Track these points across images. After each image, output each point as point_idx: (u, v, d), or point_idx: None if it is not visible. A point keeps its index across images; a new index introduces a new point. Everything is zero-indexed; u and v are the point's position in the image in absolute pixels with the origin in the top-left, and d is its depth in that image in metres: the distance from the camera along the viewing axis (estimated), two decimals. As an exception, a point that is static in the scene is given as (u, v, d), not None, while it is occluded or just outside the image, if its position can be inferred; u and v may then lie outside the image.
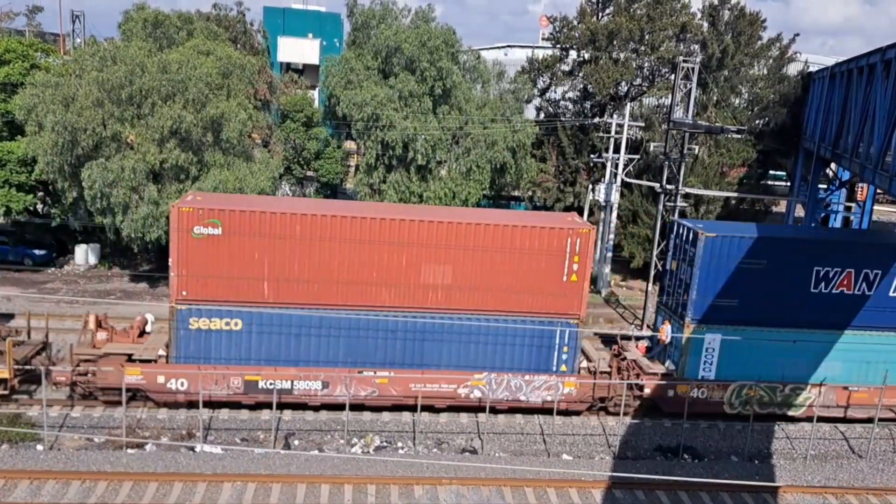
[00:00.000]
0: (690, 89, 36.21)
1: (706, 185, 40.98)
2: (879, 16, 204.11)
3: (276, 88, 45.97)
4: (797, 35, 46.21)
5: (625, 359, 26.23)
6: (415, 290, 23.59)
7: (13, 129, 36.85)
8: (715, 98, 43.34)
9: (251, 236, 22.71)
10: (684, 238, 25.75)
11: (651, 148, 42.23)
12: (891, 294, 25.12)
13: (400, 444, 23.81)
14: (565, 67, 47.88)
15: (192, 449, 22.46)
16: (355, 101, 37.77)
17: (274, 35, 57.79)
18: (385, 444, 23.72)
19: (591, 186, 44.07)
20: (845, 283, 24.88)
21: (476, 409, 24.84)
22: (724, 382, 25.40)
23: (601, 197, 41.35)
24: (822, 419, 25.79)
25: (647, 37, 45.12)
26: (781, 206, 48.88)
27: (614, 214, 41.09)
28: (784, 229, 29.25)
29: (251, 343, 23.44)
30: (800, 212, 40.83)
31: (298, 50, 61.68)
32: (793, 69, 45.14)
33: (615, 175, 40.38)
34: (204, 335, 23.19)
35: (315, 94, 53.82)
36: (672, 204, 35.74)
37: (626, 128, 39.60)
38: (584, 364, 25.57)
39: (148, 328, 26.01)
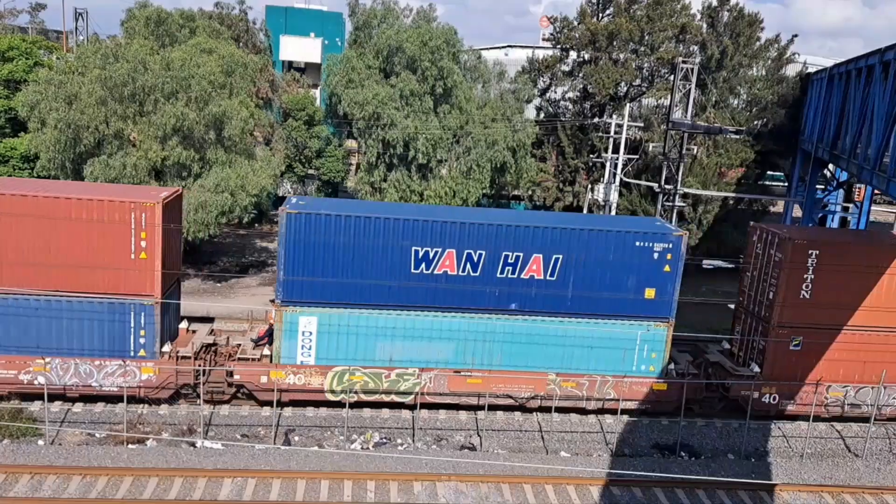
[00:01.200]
0: (689, 90, 36.38)
1: (704, 185, 41.15)
2: (878, 18, 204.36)
3: (277, 87, 46.19)
4: (795, 36, 46.43)
5: (227, 344, 25.27)
6: None
7: (16, 125, 37.06)
8: (714, 99, 43.51)
9: None
10: None
11: (650, 148, 42.42)
12: (498, 276, 23.98)
13: (399, 441, 23.96)
14: (565, 68, 48.09)
15: (193, 445, 22.59)
16: (357, 99, 37.94)
17: (276, 34, 57.98)
18: (384, 440, 23.87)
19: (590, 186, 44.26)
20: (447, 263, 23.70)
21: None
22: (323, 367, 24.01)
23: (600, 196, 41.50)
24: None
25: (646, 38, 45.33)
26: (779, 207, 49.08)
27: (613, 214, 41.23)
28: (379, 207, 27.04)
29: None
30: (797, 212, 40.98)
31: (300, 49, 61.88)
32: (791, 70, 45.31)
33: (614, 175, 40.54)
34: None
35: (317, 92, 54.01)
36: (670, 204, 35.92)
37: (625, 128, 39.75)
38: (167, 348, 24.00)
39: None
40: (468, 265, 23.81)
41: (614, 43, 45.07)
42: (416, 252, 23.56)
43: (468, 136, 39.61)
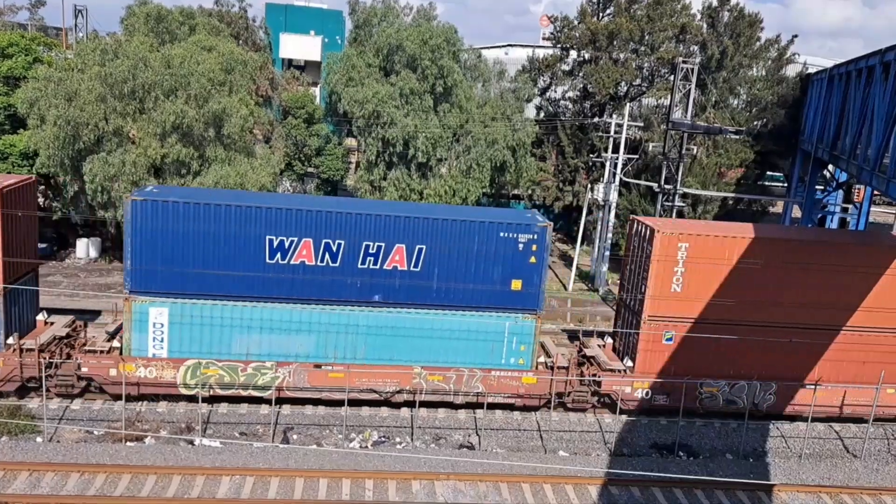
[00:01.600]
0: (689, 90, 36.40)
1: (704, 185, 41.18)
2: (878, 18, 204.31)
3: (277, 85, 46.12)
4: (795, 36, 46.52)
5: (83, 336, 24.83)
6: None
7: (15, 122, 37.02)
8: (714, 99, 43.52)
9: None
10: None
11: (650, 148, 42.47)
12: (359, 266, 23.32)
13: (398, 440, 23.95)
14: (565, 67, 48.14)
15: (191, 442, 22.58)
16: (356, 98, 37.92)
17: (276, 31, 57.92)
18: (383, 439, 23.86)
19: (589, 186, 44.26)
20: (304, 253, 23.00)
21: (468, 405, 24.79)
22: (176, 360, 23.25)
23: (600, 196, 41.52)
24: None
25: (646, 37, 45.37)
26: (779, 207, 49.13)
27: (612, 214, 41.27)
28: (234, 195, 25.87)
29: None
30: (797, 213, 41.02)
31: (300, 47, 61.88)
32: (791, 70, 45.37)
33: (614, 175, 40.55)
34: None
35: (316, 90, 54.00)
36: (670, 204, 35.94)
37: (625, 128, 39.77)
38: (12, 340, 23.44)
39: None
40: (327, 255, 23.14)
41: (614, 42, 45.10)
42: (271, 241, 22.82)
43: (468, 134, 39.61)
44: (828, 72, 35.43)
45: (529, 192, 48.02)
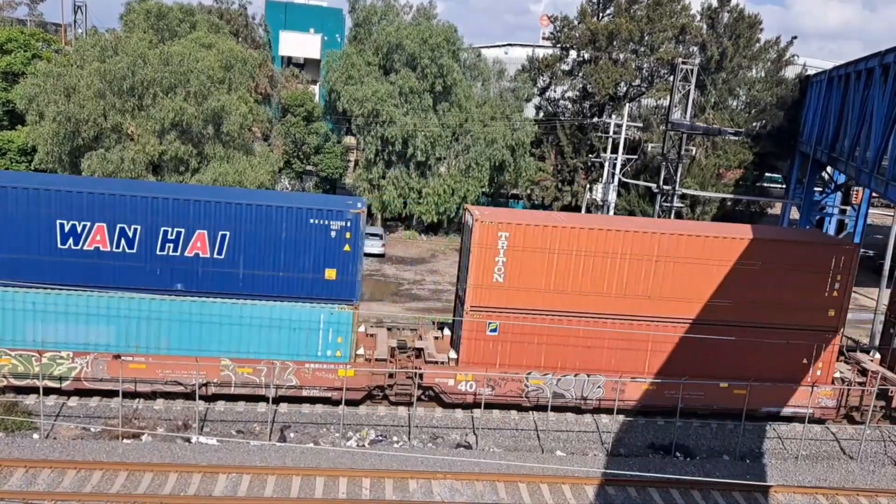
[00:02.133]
0: (689, 91, 36.41)
1: (702, 186, 41.21)
2: (878, 20, 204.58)
3: (276, 82, 46.10)
4: (795, 38, 46.57)
5: None
6: None
7: (14, 118, 36.99)
8: (713, 100, 43.56)
9: None
10: None
11: (649, 148, 42.48)
12: (158, 253, 22.26)
13: (395, 439, 23.92)
14: (565, 67, 48.15)
15: (188, 440, 22.54)
16: (356, 96, 37.93)
17: (275, 29, 57.90)
18: (380, 437, 23.83)
19: (588, 186, 44.29)
20: (98, 238, 21.99)
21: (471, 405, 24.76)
22: None
23: (598, 196, 41.55)
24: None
25: (646, 38, 45.40)
26: (777, 209, 49.17)
27: (611, 214, 41.28)
28: (25, 178, 25.08)
29: None
30: (795, 214, 41.06)
31: (300, 44, 61.89)
32: (791, 72, 45.41)
33: (613, 175, 40.57)
34: None
35: (316, 88, 53.96)
36: (668, 204, 35.95)
37: (624, 128, 39.79)
38: None
39: None
40: (123, 241, 22.19)
41: (614, 43, 45.11)
42: (62, 225, 21.81)
43: (467, 134, 39.63)
44: (827, 73, 35.46)
45: (528, 191, 48.05)
